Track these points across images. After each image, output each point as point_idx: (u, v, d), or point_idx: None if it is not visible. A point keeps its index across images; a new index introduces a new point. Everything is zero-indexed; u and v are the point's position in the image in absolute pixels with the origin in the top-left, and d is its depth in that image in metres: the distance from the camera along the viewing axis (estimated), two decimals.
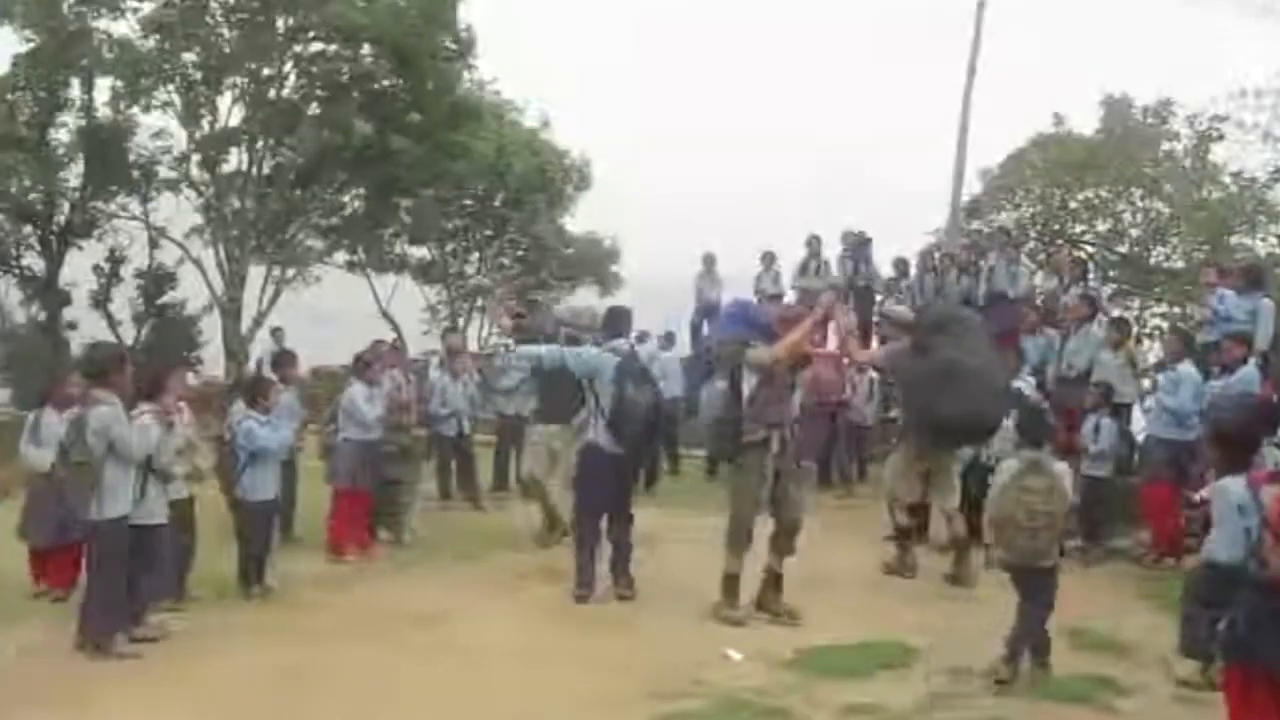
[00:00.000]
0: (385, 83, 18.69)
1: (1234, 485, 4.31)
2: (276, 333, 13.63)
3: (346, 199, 20.66)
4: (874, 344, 10.53)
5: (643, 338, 10.88)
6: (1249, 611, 3.91)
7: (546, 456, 8.68)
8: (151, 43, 17.97)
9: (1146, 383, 9.35)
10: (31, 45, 17.46)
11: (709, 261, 14.88)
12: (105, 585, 5.83)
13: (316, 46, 18.62)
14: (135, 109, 18.41)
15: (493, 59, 19.08)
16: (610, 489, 7.04)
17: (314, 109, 18.88)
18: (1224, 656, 4.13)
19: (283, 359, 9.44)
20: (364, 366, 8.89)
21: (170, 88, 18.37)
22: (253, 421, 7.17)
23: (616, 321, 7.60)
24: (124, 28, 17.96)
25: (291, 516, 8.68)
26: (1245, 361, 8.20)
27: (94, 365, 6.11)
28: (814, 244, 13.82)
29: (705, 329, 13.58)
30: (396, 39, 17.75)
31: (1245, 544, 4.07)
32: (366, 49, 18.28)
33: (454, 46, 18.70)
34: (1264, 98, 13.87)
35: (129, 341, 18.76)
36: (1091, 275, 12.90)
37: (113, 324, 19.18)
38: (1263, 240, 16.50)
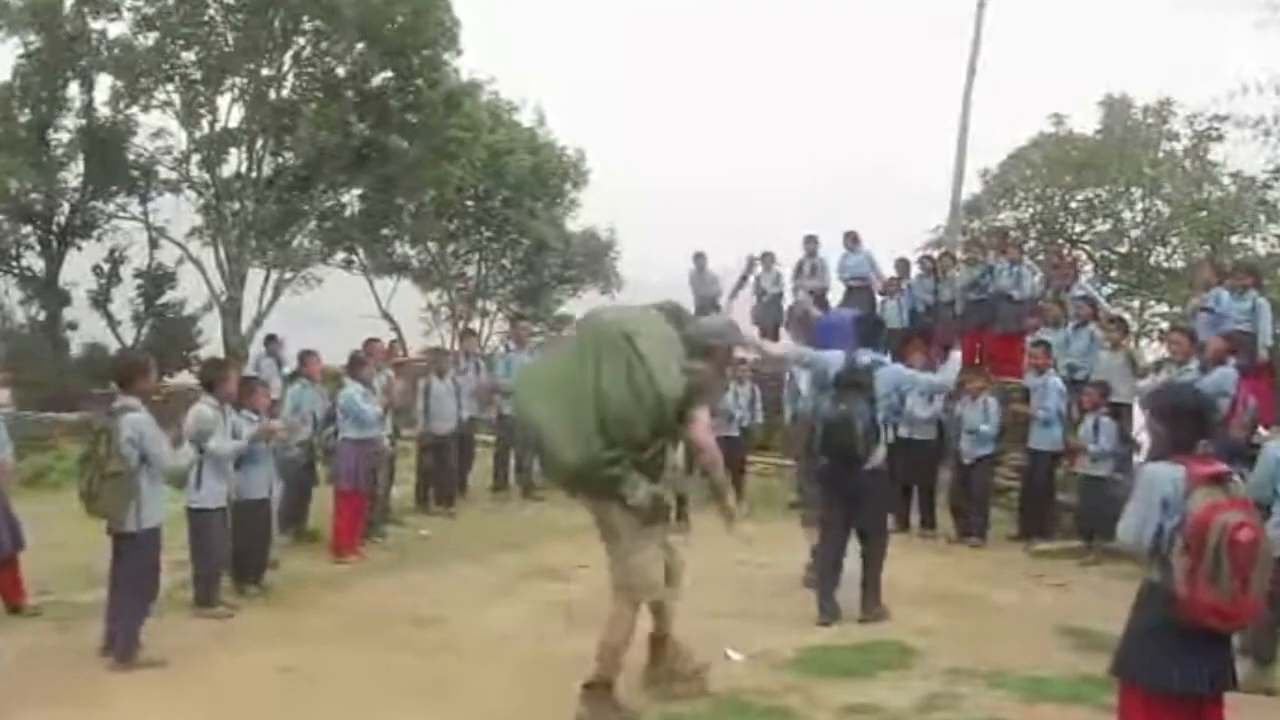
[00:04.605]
0: (377, 80, 18.72)
1: (1165, 473, 3.57)
2: (271, 341, 12.92)
3: (345, 200, 20.67)
4: None
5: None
6: (1155, 631, 3.57)
7: None
8: (150, 41, 17.98)
9: (1143, 382, 9.34)
10: (31, 46, 17.46)
11: (700, 260, 14.82)
12: (135, 596, 5.81)
13: (310, 38, 18.59)
14: (135, 109, 18.42)
15: (485, 59, 19.13)
16: (831, 499, 6.75)
17: (311, 109, 18.88)
18: (1121, 674, 3.73)
19: (304, 357, 9.27)
20: (358, 365, 8.88)
21: (170, 87, 18.38)
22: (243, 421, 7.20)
23: (869, 332, 7.07)
24: (122, 28, 18.01)
25: (305, 513, 8.81)
26: (1224, 362, 8.22)
27: (119, 373, 6.10)
28: (810, 244, 13.82)
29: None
30: (385, 35, 17.79)
31: (1154, 540, 3.54)
32: (360, 46, 18.27)
33: (437, 34, 18.59)
34: (1265, 94, 13.85)
35: (129, 341, 18.76)
36: (1088, 274, 12.90)
37: (113, 324, 19.17)
38: (1263, 240, 16.53)
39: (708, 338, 5.17)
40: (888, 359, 6.91)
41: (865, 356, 6.68)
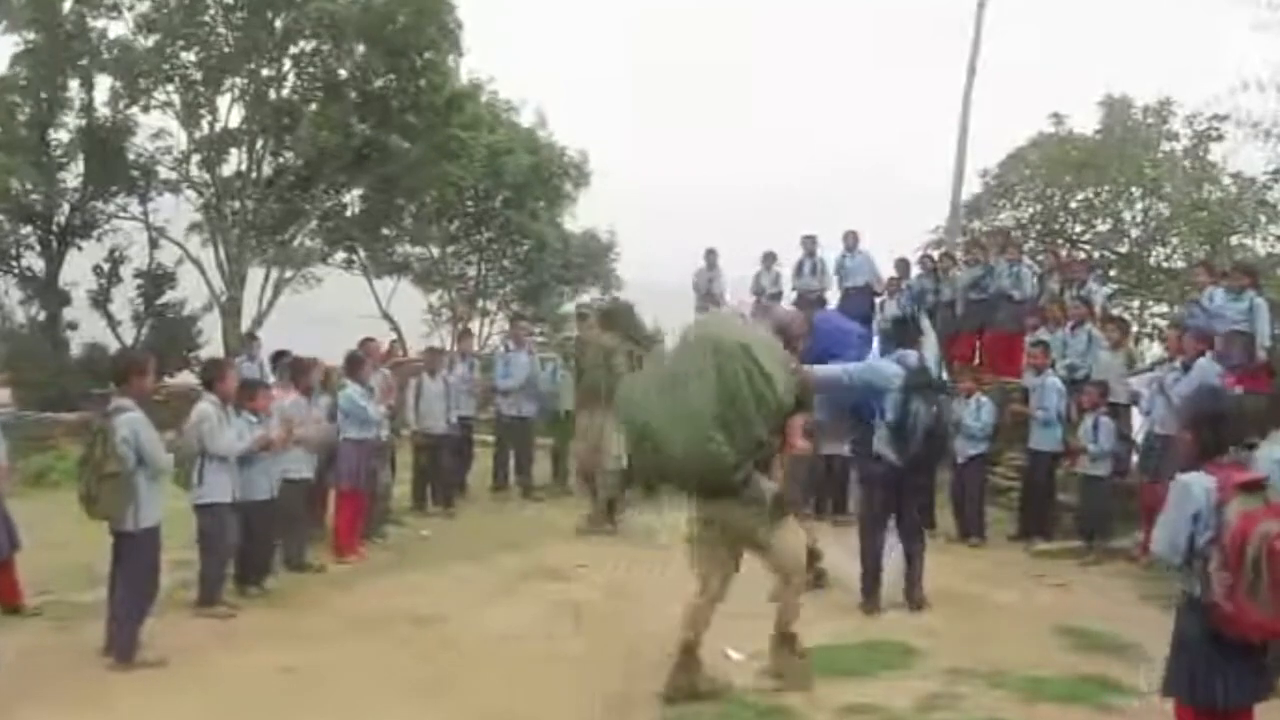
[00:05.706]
0: (379, 82, 18.70)
1: (1196, 484, 3.49)
2: (251, 340, 12.63)
3: (346, 199, 20.66)
4: None
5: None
6: (1192, 645, 3.49)
7: None
8: (150, 42, 17.96)
9: (1135, 382, 9.36)
10: (30, 45, 17.44)
11: (711, 257, 14.75)
12: (135, 595, 5.82)
13: (311, 45, 18.60)
14: (135, 109, 18.40)
15: (486, 60, 19.10)
16: (891, 501, 7.01)
17: (312, 109, 18.87)
18: (1166, 693, 3.64)
19: (275, 359, 9.29)
20: (357, 365, 8.87)
21: (169, 88, 18.37)
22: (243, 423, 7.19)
23: (906, 333, 7.35)
24: (122, 28, 18.00)
25: (322, 515, 8.75)
26: (1203, 355, 8.30)
27: (116, 372, 6.09)
28: (809, 244, 13.82)
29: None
30: (387, 36, 17.79)
31: (1187, 552, 3.47)
32: (361, 48, 18.27)
33: (439, 35, 18.55)
34: (1265, 93, 13.82)
35: (129, 341, 18.74)
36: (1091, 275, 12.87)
37: (113, 324, 19.13)
38: (1263, 240, 16.51)
39: (789, 330, 5.63)
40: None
41: (912, 357, 6.82)
